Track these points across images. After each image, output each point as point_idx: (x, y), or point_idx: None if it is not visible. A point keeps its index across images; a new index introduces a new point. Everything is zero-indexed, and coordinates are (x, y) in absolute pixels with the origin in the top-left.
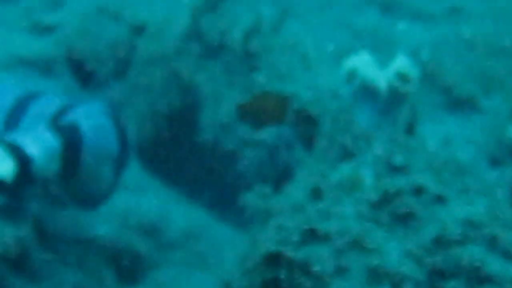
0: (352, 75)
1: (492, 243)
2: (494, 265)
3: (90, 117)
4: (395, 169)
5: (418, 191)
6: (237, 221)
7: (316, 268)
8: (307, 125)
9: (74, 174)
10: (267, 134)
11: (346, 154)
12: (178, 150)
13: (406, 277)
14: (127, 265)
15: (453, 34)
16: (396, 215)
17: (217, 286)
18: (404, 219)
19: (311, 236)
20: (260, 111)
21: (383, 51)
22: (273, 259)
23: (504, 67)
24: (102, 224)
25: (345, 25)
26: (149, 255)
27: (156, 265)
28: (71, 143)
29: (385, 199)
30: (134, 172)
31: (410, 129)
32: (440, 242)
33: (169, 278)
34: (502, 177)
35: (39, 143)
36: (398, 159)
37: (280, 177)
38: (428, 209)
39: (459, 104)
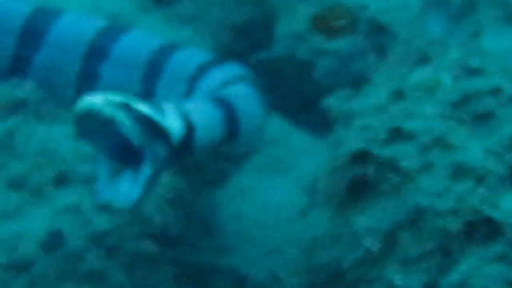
0: None
1: None
2: None
3: (239, 86)
4: (472, 72)
5: (496, 91)
6: (315, 128)
7: (404, 164)
8: (379, 34)
9: (231, 145)
10: (341, 43)
11: (423, 59)
12: (254, 61)
13: (489, 171)
14: (212, 172)
15: None
16: (476, 115)
17: (302, 186)
18: (484, 118)
19: (397, 134)
20: (332, 21)
21: None
22: (361, 157)
23: None
24: None
25: None
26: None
27: (240, 170)
28: (230, 116)
29: (465, 99)
30: None
31: (478, 34)
32: None
33: (253, 182)
34: None
35: (202, 114)
36: (475, 62)
37: (356, 84)
38: (506, 109)
39: None
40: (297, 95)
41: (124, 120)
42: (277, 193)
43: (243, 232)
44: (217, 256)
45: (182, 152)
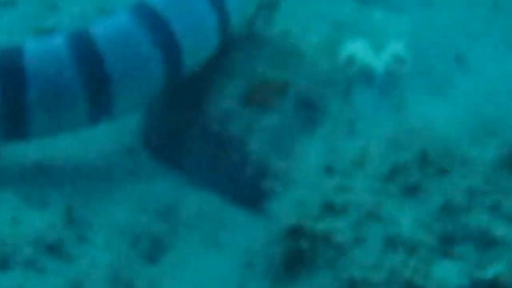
0: (350, 60)
1: (495, 209)
2: (499, 228)
3: None
4: (398, 145)
5: (423, 163)
6: (249, 203)
7: (337, 238)
8: (308, 109)
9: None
10: (270, 118)
11: (351, 133)
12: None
13: (420, 242)
14: (148, 247)
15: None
16: (405, 187)
17: (237, 261)
18: (412, 191)
19: (329, 209)
20: (262, 98)
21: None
22: (296, 232)
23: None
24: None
25: (326, 16)
26: (167, 236)
27: (174, 246)
28: None
29: (393, 172)
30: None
31: (404, 107)
32: (447, 210)
33: (187, 257)
34: (486, 151)
35: None
36: (402, 136)
37: (288, 158)
38: (433, 180)
39: (438, 85)
40: (230, 169)
41: None
42: (213, 268)
43: None
44: None
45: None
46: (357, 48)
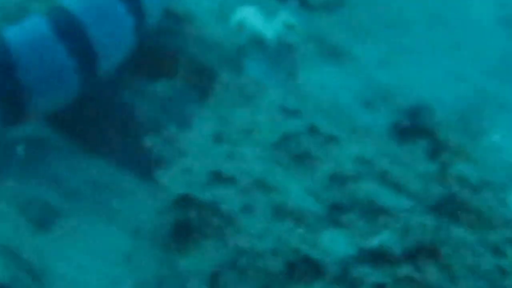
0: (240, 27)
1: (383, 178)
2: (386, 197)
3: None
4: (289, 112)
5: (312, 131)
6: (139, 171)
7: (224, 207)
8: (200, 76)
9: None
10: (161, 86)
11: (242, 101)
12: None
13: (308, 212)
14: (38, 215)
15: None
16: (294, 155)
17: (126, 231)
18: (301, 159)
19: (217, 177)
20: (153, 65)
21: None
22: (184, 201)
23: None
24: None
25: None
26: (58, 204)
27: (64, 214)
28: None
29: (283, 140)
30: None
31: (295, 75)
32: (336, 179)
33: (77, 226)
34: (377, 119)
35: None
36: (291, 103)
37: (179, 126)
38: (322, 148)
39: (333, 53)
40: (121, 137)
41: None
42: (103, 236)
43: (70, 276)
44: None
45: None
46: (248, 15)
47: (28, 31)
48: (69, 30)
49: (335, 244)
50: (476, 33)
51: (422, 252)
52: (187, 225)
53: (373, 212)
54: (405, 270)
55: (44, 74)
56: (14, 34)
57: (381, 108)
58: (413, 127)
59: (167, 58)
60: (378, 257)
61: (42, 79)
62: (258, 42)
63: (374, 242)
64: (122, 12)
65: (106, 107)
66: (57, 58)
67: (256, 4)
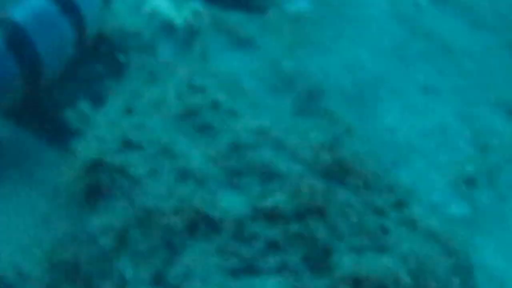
0: (153, 15)
1: (278, 146)
2: (281, 164)
3: None
4: (195, 89)
5: (215, 106)
6: (55, 139)
7: (132, 170)
8: (114, 58)
9: None
10: (82, 69)
11: (153, 79)
12: None
13: (209, 175)
14: None
15: None
16: (198, 127)
17: (45, 196)
18: (204, 130)
19: (127, 145)
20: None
21: None
22: (96, 165)
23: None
24: None
25: None
26: None
27: None
28: None
29: (187, 113)
30: None
31: (203, 57)
32: (235, 147)
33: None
34: (278, 100)
35: None
36: (198, 81)
37: (95, 101)
38: (224, 121)
39: (240, 42)
40: (41, 113)
41: None
42: (23, 200)
43: None
44: None
45: None
46: (159, 4)
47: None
48: (16, 39)
49: (232, 205)
50: (373, 26)
51: (311, 212)
52: (98, 187)
53: (268, 176)
54: (295, 228)
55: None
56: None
57: (283, 92)
58: (310, 108)
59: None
60: (271, 216)
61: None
62: (169, 28)
63: (268, 202)
64: (64, 26)
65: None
66: (4, 65)
67: None
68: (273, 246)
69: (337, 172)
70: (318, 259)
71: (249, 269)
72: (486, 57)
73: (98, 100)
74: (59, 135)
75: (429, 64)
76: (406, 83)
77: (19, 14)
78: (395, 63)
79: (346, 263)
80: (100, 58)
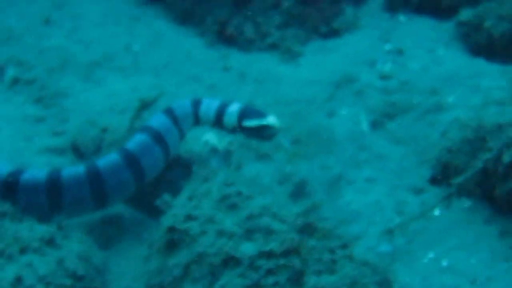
0: (206, 143)
1: (275, 215)
2: (275, 225)
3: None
4: (228, 185)
5: (239, 194)
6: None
7: (192, 232)
8: (187, 168)
9: None
10: None
11: (205, 180)
12: None
13: (234, 233)
14: None
15: None
16: (228, 206)
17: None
18: (233, 208)
19: (188, 218)
20: None
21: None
22: (171, 230)
23: None
24: None
25: None
26: None
27: None
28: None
29: (223, 198)
30: None
31: (237, 167)
32: (250, 217)
33: None
34: (283, 189)
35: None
36: (230, 180)
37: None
38: (244, 202)
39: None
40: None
41: None
42: (135, 254)
43: None
44: None
45: None
46: (210, 137)
47: (107, 161)
48: (133, 160)
49: (247, 250)
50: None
51: (291, 252)
52: (173, 241)
53: (267, 232)
54: (282, 261)
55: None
56: (102, 162)
57: (284, 184)
58: (299, 193)
59: None
60: (268, 255)
61: (116, 189)
62: (215, 150)
63: (267, 247)
64: (159, 152)
65: None
66: (124, 175)
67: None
68: (270, 272)
69: (307, 229)
70: (296, 279)
71: (256, 285)
72: None
73: (176, 193)
74: (156, 212)
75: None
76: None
77: (131, 145)
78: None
79: (312, 280)
80: (178, 168)
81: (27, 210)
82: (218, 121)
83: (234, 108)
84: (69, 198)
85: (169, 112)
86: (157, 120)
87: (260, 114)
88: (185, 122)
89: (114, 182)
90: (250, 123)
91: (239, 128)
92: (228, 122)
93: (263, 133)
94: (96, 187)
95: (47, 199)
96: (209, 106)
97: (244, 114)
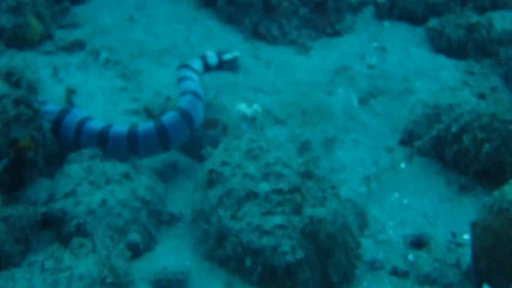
0: (239, 111)
1: (285, 164)
2: (284, 170)
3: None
4: (253, 141)
5: (260, 148)
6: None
7: (225, 173)
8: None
9: None
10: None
11: (237, 138)
12: None
13: (254, 176)
14: None
15: None
16: (252, 156)
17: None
18: (255, 157)
19: (224, 164)
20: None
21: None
22: (211, 172)
23: None
24: None
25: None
26: None
27: None
28: None
29: (249, 151)
30: None
31: (261, 129)
32: (267, 165)
33: None
34: (293, 146)
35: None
36: (254, 138)
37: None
38: (264, 154)
39: (278, 122)
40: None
41: None
42: (185, 193)
43: None
44: None
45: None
46: (241, 106)
47: (169, 117)
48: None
49: (264, 188)
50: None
51: (295, 190)
52: (212, 180)
53: (278, 176)
54: (289, 196)
55: (176, 135)
56: (168, 120)
57: (295, 143)
58: (305, 149)
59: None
60: (278, 192)
61: (176, 136)
62: (245, 117)
63: (279, 185)
64: (185, 127)
65: None
66: (182, 127)
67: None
68: (279, 204)
69: (307, 175)
70: (297, 209)
71: (269, 213)
72: None
73: (215, 146)
74: (201, 159)
75: None
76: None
77: (183, 103)
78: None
79: (308, 211)
80: (218, 128)
81: (112, 153)
82: (207, 66)
83: (211, 53)
84: (143, 145)
85: (195, 73)
86: (192, 83)
87: (229, 51)
88: (202, 76)
89: (174, 131)
90: (227, 56)
91: (220, 64)
92: (212, 62)
93: (234, 63)
94: (162, 136)
95: (127, 146)
96: (200, 60)
97: (220, 53)
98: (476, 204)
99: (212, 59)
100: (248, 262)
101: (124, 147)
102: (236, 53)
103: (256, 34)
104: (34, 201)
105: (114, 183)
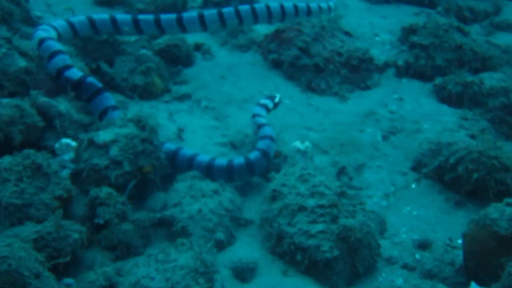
0: (294, 146)
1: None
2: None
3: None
4: (304, 169)
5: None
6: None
7: (284, 192)
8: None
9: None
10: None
11: (292, 165)
12: None
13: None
14: None
15: None
16: None
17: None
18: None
19: (283, 185)
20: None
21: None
22: (274, 190)
23: None
24: None
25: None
26: None
27: None
28: None
29: (302, 176)
30: None
31: (310, 158)
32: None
33: None
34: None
35: None
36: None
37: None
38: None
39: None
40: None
41: None
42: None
43: None
44: None
45: None
46: (296, 143)
47: (254, 155)
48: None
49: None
50: None
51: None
52: (275, 196)
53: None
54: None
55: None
56: (254, 157)
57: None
58: None
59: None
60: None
61: (258, 168)
62: (299, 151)
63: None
64: (263, 160)
65: None
66: (262, 162)
67: (298, 139)
68: (321, 215)
69: (342, 194)
70: (334, 219)
71: (314, 222)
72: None
73: (278, 171)
74: (268, 180)
75: None
76: None
77: (262, 146)
78: None
79: (342, 221)
80: (280, 159)
81: (214, 178)
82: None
83: (267, 100)
84: (237, 174)
85: (264, 120)
86: (267, 129)
87: (274, 95)
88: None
89: (257, 165)
90: (276, 100)
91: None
92: (271, 106)
93: (278, 105)
94: (250, 168)
95: (226, 174)
96: (262, 110)
97: (271, 97)
98: (468, 217)
99: (270, 104)
100: (298, 256)
101: (224, 175)
102: (279, 96)
103: (309, 88)
104: (153, 209)
105: (207, 196)
